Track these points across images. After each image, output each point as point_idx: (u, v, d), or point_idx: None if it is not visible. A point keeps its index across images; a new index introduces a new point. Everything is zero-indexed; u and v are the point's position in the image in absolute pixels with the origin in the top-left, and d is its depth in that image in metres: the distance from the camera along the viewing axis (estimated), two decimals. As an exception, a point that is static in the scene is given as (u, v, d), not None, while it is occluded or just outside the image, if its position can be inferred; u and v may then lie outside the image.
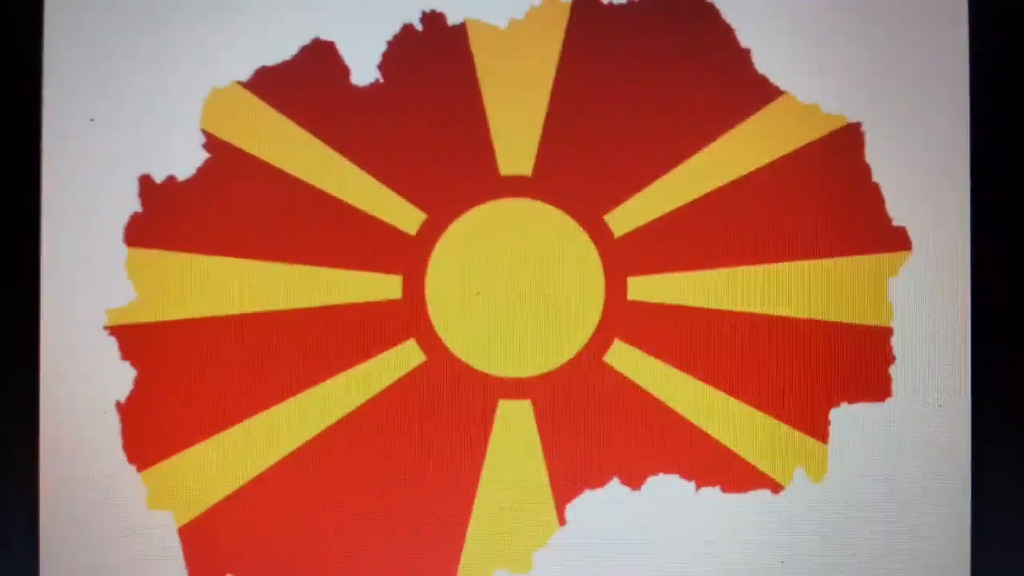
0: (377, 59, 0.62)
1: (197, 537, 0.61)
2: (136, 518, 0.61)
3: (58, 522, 0.61)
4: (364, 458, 0.62)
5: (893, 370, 0.61)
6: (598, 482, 0.61)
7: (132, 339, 0.61)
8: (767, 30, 0.62)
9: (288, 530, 0.61)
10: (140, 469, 0.61)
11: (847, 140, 0.61)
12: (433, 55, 0.62)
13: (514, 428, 0.62)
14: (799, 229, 0.61)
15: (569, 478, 0.61)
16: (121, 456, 0.61)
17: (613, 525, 0.61)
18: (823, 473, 0.61)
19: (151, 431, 0.61)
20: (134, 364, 0.61)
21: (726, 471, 0.61)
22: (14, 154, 0.62)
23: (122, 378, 0.61)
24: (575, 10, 0.62)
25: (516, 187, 0.62)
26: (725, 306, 0.61)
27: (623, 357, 0.62)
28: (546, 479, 0.61)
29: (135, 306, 0.62)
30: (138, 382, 0.61)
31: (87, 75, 0.62)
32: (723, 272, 0.61)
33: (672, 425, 0.61)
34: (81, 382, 0.61)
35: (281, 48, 0.62)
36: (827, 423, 0.61)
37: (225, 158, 0.62)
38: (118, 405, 0.61)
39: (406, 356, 0.62)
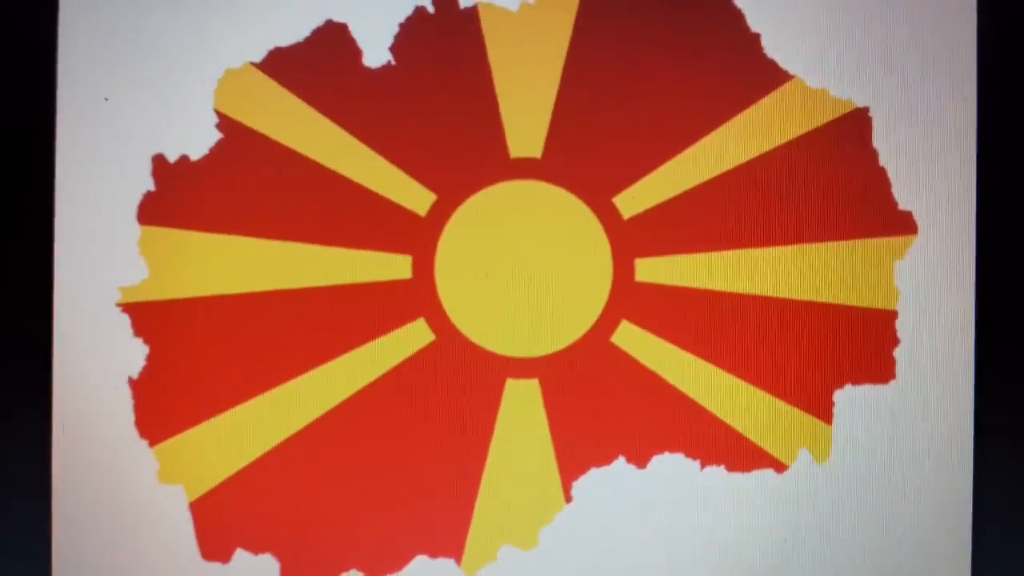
0: (389, 41, 0.62)
1: (208, 512, 0.62)
2: (147, 493, 0.61)
3: (70, 497, 0.61)
4: (373, 436, 0.62)
5: (897, 353, 0.61)
6: (604, 460, 0.62)
7: (145, 316, 0.62)
8: (777, 15, 0.62)
9: (297, 506, 0.62)
10: (152, 444, 0.61)
11: (855, 124, 0.61)
12: (445, 38, 0.62)
13: (521, 407, 0.62)
14: (806, 213, 0.62)
15: (575, 456, 0.62)
16: (133, 431, 0.61)
17: (619, 503, 0.62)
18: (827, 453, 0.61)
19: (163, 407, 0.62)
20: (146, 341, 0.62)
21: (731, 450, 0.61)
22: (28, 132, 0.62)
23: (135, 354, 0.62)
24: (586, -7, 0.62)
25: (526, 169, 0.62)
26: (731, 288, 0.62)
27: (630, 338, 0.62)
28: (553, 457, 0.62)
29: (148, 284, 0.62)
30: (150, 358, 0.62)
31: (101, 54, 0.62)
32: (730, 254, 0.62)
33: (678, 404, 0.62)
34: (94, 358, 0.61)
35: (294, 29, 0.62)
36: (831, 404, 0.61)
37: (237, 138, 0.62)
38: (130, 381, 0.61)
39: (415, 335, 0.62)
